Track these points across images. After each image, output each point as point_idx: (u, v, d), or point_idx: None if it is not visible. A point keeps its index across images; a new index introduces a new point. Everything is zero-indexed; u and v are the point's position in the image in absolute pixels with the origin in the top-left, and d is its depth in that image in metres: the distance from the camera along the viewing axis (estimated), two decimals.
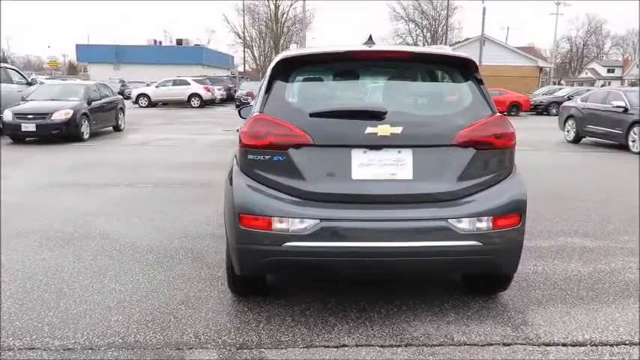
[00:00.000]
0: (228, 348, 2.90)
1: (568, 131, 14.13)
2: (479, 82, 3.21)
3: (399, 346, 2.94)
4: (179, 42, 54.72)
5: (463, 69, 3.23)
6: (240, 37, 62.31)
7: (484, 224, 2.95)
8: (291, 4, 60.19)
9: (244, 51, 57.07)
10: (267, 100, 3.11)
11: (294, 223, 2.89)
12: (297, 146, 2.94)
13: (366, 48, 3.32)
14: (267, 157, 2.98)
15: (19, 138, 12.43)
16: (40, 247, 4.55)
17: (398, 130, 2.92)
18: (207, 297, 3.55)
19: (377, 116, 2.94)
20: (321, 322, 3.21)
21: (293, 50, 3.37)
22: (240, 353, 2.85)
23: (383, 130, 2.91)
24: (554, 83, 47.31)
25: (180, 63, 47.77)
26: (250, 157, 3.02)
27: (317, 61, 3.28)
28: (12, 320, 3.18)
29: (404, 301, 3.48)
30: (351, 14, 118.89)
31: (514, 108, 25.78)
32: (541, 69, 42.45)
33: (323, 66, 3.32)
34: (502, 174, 3.09)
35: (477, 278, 3.57)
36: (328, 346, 2.92)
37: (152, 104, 28.48)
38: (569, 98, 21.85)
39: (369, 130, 2.91)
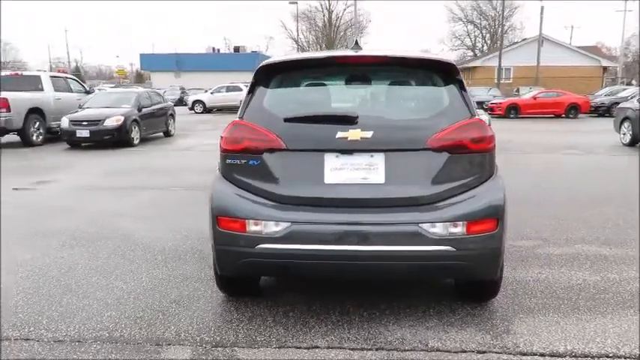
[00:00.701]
0: (203, 346, 3.01)
1: (624, 134, 13.40)
2: (460, 86, 3.17)
3: (369, 349, 2.95)
4: (236, 49, 56.20)
5: (442, 73, 3.21)
6: (297, 43, 63.25)
7: (458, 229, 2.92)
8: (345, 9, 60.34)
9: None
10: (247, 105, 3.22)
11: (266, 225, 2.97)
12: (271, 151, 3.02)
13: (343, 53, 3.36)
14: (243, 161, 3.08)
15: (74, 143, 13.21)
16: (62, 247, 4.85)
17: (368, 134, 2.94)
18: (200, 296, 3.68)
19: (348, 121, 2.97)
20: (300, 323, 3.26)
21: (276, 57, 3.46)
22: (214, 351, 2.95)
23: (353, 134, 2.94)
24: (622, 83, 44.88)
25: (237, 69, 49.01)
26: (228, 161, 3.13)
27: (296, 67, 3.35)
28: (17, 313, 3.43)
29: (389, 305, 3.47)
30: (408, 17, 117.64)
31: (572, 110, 24.72)
32: (605, 69, 40.44)
33: (302, 72, 3.38)
34: (479, 178, 3.04)
35: (465, 284, 3.51)
36: (300, 347, 2.98)
37: (207, 110, 29.39)
38: (629, 99, 20.71)
39: (339, 134, 2.95)
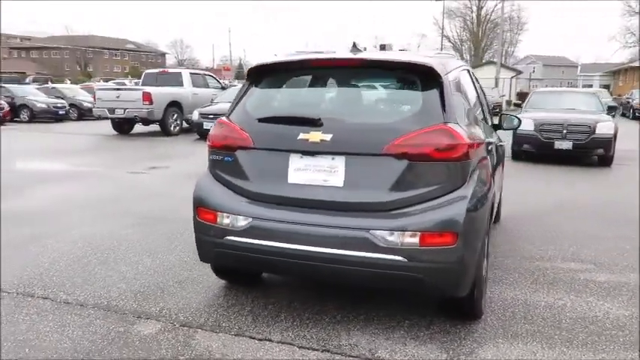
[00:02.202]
0: (173, 324, 3.28)
1: None
2: (440, 90, 3.03)
3: (315, 349, 2.98)
4: (382, 47, 56.29)
5: (422, 76, 3.09)
6: (450, 41, 61.61)
7: (410, 240, 2.82)
8: (495, 5, 57.04)
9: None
10: (235, 105, 3.41)
11: (233, 219, 3.15)
12: (243, 149, 3.18)
13: (320, 56, 3.37)
14: (221, 157, 3.28)
15: (203, 134, 14.53)
16: (127, 226, 5.49)
17: (328, 137, 2.96)
18: (204, 280, 3.97)
19: (311, 123, 3.01)
20: (271, 316, 3.39)
21: (266, 59, 3.58)
22: (177, 330, 3.21)
23: (314, 136, 2.98)
24: None
25: None
26: (212, 157, 3.36)
27: (277, 69, 3.45)
28: (51, 276, 4.04)
29: (368, 312, 3.43)
30: (575, 13, 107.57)
31: None
32: None
33: (282, 74, 3.47)
34: (441, 189, 2.88)
35: (443, 300, 3.33)
36: (253, 338, 3.11)
37: None
38: None
39: (301, 136, 3.01)
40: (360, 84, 3.39)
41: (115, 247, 4.77)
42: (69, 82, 38.72)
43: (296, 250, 2.98)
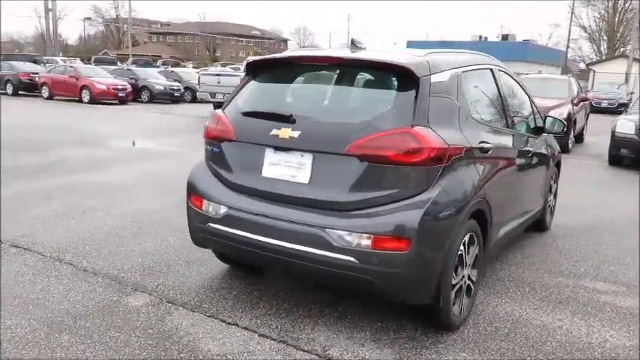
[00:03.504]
0: (161, 299, 3.55)
1: None
2: (415, 90, 2.94)
3: (273, 339, 3.07)
4: (504, 37, 53.64)
5: (397, 76, 3.02)
6: (586, 31, 56.72)
7: (363, 241, 2.80)
8: None
9: (567, 47, 51.69)
10: (231, 98, 3.56)
11: (214, 207, 3.32)
12: (228, 140, 3.33)
13: (303, 53, 3.38)
14: (211, 147, 3.46)
15: None
16: (170, 204, 5.87)
17: (296, 134, 3.01)
18: (211, 262, 4.19)
19: (284, 119, 3.08)
20: (252, 303, 3.53)
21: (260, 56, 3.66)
22: (161, 305, 3.46)
23: (284, 132, 3.05)
24: None
25: (504, 59, 46.95)
26: (206, 147, 3.55)
27: (271, 65, 3.52)
28: (85, 245, 4.51)
29: (348, 309, 3.45)
30: None
31: None
32: None
33: (275, 70, 3.53)
34: (401, 193, 2.82)
35: (415, 307, 3.24)
36: (223, 321, 3.27)
37: None
38: None
39: (273, 131, 3.09)
40: (339, 82, 3.37)
41: (152, 223, 5.18)
42: (190, 66, 41.47)
43: (262, 242, 3.08)
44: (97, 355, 2.84)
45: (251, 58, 3.58)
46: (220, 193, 3.32)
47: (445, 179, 2.91)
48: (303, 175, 3.02)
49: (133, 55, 50.28)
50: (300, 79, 3.52)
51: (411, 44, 56.67)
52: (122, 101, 21.26)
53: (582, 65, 56.46)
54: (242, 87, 3.56)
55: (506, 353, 3.01)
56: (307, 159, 3.02)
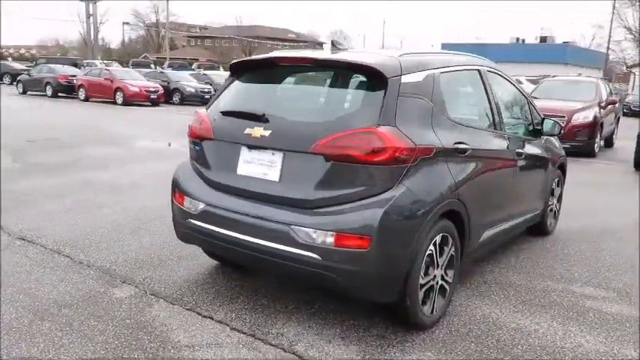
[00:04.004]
0: (145, 292, 3.67)
1: None
2: (384, 90, 2.97)
3: (244, 333, 3.15)
4: (543, 39, 52.44)
5: (367, 76, 3.07)
6: (631, 32, 54.80)
7: (326, 239, 2.85)
8: None
9: (607, 48, 50.01)
10: (215, 98, 3.67)
11: (193, 203, 3.43)
12: (207, 139, 3.43)
13: (279, 54, 3.44)
14: (193, 146, 3.57)
15: None
16: None
17: (267, 133, 3.09)
18: (202, 258, 4.31)
19: (257, 118, 3.16)
20: (231, 297, 3.62)
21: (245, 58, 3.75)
22: (145, 297, 3.59)
23: (256, 131, 3.13)
24: None
25: (542, 61, 46.11)
26: (190, 145, 3.66)
27: (251, 65, 3.61)
28: (85, 239, 4.69)
29: (324, 306, 3.50)
30: None
31: None
32: None
33: (255, 70, 3.61)
34: (367, 191, 2.86)
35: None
36: (199, 314, 3.37)
37: None
38: None
39: (247, 130, 3.17)
40: (312, 83, 3.43)
41: (153, 219, 5.33)
42: (222, 69, 42.17)
43: (235, 238, 3.17)
44: (72, 342, 2.98)
45: (235, 60, 3.67)
46: (200, 190, 3.43)
47: (411, 179, 2.93)
48: (274, 173, 3.10)
49: (170, 58, 51.53)
50: (277, 79, 3.59)
51: (445, 46, 56.10)
52: (154, 103, 21.83)
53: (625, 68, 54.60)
54: (225, 87, 3.65)
55: (472, 354, 3.00)
56: (278, 157, 3.09)
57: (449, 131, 3.30)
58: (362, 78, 3.12)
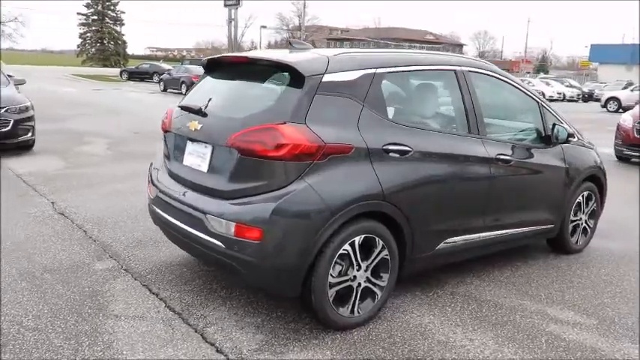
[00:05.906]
0: (121, 266, 4.08)
1: None
2: (301, 88, 3.03)
3: (173, 310, 3.39)
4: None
5: (290, 74, 3.15)
6: None
7: (229, 229, 2.99)
8: None
9: None
10: (185, 94, 3.97)
11: (153, 189, 3.78)
12: (168, 132, 3.75)
13: (227, 54, 3.59)
14: (162, 137, 3.91)
15: None
16: None
17: (199, 126, 3.31)
18: None
19: (197, 113, 3.39)
20: (188, 280, 3.89)
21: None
22: (117, 271, 3.99)
23: (192, 125, 3.37)
24: None
25: None
26: (162, 137, 4.00)
27: (212, 64, 3.81)
28: (106, 218, 5.27)
29: (269, 301, 3.56)
30: None
31: None
32: None
33: (214, 68, 3.83)
34: (269, 185, 2.95)
35: None
36: (150, 290, 3.68)
37: (622, 108, 25.83)
38: None
39: (188, 123, 3.42)
40: (244, 80, 3.57)
41: None
42: None
43: (171, 222, 3.45)
44: (28, 300, 3.47)
45: (206, 58, 3.94)
46: (159, 179, 3.75)
47: (315, 176, 2.95)
48: (204, 165, 3.30)
49: None
50: (224, 77, 3.79)
51: (595, 47, 51.41)
52: None
53: None
54: (196, 83, 3.94)
55: None
56: (208, 150, 3.29)
57: (383, 132, 3.23)
58: (284, 76, 3.20)
